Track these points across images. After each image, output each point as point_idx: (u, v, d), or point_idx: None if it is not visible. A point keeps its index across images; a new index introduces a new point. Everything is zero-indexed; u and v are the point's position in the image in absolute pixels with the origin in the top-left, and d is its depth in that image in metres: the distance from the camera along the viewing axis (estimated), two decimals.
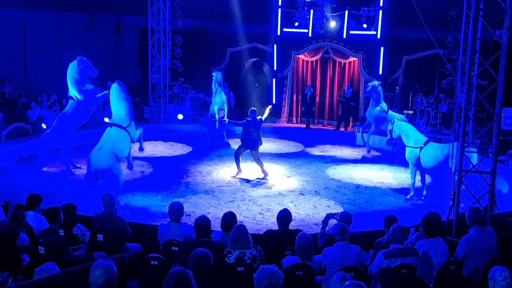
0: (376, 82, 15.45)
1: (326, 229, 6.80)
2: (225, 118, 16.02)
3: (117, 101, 10.88)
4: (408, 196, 11.22)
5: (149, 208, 10.21)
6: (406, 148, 11.30)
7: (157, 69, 18.86)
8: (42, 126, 15.64)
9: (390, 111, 15.25)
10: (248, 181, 12.30)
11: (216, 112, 16.16)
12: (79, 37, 20.81)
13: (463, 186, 8.40)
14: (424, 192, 11.23)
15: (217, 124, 16.06)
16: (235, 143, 16.37)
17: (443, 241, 6.11)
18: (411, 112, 19.26)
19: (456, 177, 8.47)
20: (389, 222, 6.41)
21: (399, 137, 11.52)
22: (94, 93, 12.78)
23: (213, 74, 16.36)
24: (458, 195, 8.33)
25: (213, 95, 16.31)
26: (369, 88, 15.34)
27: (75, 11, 20.02)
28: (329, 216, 6.91)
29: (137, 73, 22.21)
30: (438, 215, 6.30)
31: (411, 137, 11.22)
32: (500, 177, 11.42)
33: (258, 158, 12.44)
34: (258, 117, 12.36)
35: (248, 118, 12.37)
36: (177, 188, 11.68)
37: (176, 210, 6.62)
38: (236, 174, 12.57)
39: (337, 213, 7.00)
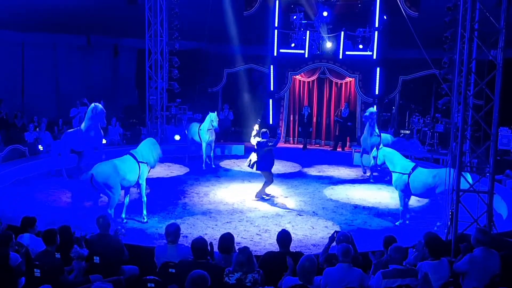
0: (374, 109, 15.42)
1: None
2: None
3: (147, 147, 10.97)
4: (397, 223, 10.95)
5: (145, 229, 10.15)
6: (393, 174, 11.03)
7: (154, 90, 18.89)
8: (39, 148, 15.63)
9: (382, 134, 15.30)
10: (245, 201, 12.27)
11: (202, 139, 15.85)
12: (76, 59, 20.97)
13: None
14: (401, 221, 10.93)
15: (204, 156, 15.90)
16: (230, 165, 16.38)
17: (447, 263, 6.06)
18: (407, 132, 19.33)
19: (453, 197, 8.46)
20: (388, 242, 6.37)
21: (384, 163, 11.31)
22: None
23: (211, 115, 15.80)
24: (456, 215, 8.31)
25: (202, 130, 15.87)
26: (367, 114, 15.18)
27: (73, 33, 20.16)
28: (336, 233, 6.86)
29: (134, 95, 22.30)
30: (438, 235, 6.28)
31: (397, 163, 10.97)
32: (500, 200, 11.42)
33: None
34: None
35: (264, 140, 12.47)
36: (174, 209, 11.63)
37: (173, 232, 6.56)
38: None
39: (335, 232, 6.96)
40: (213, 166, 16.03)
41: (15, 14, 17.05)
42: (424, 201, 12.02)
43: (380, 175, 14.91)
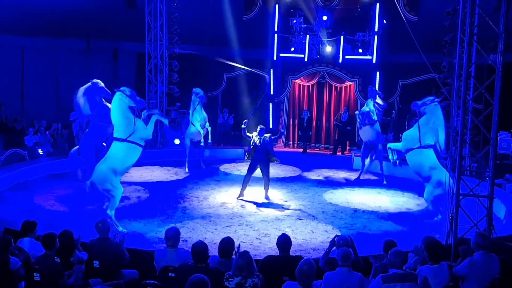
0: (372, 103, 15.42)
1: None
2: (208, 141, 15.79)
3: (116, 114, 10.70)
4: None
5: (145, 233, 10.12)
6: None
7: (154, 94, 18.92)
8: (39, 152, 15.63)
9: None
10: (245, 205, 12.28)
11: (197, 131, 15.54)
12: (76, 63, 20.96)
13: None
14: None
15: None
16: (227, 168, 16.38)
17: (447, 267, 6.07)
18: None
19: (453, 201, 8.46)
20: (388, 246, 6.38)
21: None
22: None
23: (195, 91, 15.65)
24: (456, 219, 8.31)
25: (191, 114, 15.58)
26: (366, 109, 15.14)
27: (73, 37, 20.19)
28: (337, 237, 6.86)
29: None
30: (437, 239, 6.29)
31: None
32: (500, 204, 11.43)
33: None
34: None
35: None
36: (174, 213, 11.62)
37: (173, 236, 6.55)
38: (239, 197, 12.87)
39: (336, 236, 6.96)
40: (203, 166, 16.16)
41: (15, 19, 17.10)
42: (424, 205, 12.01)
43: (380, 179, 14.96)
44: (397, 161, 12.18)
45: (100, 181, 10.07)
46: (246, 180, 12.85)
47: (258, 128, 12.81)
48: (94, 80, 12.18)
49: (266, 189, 12.89)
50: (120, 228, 10.04)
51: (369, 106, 14.97)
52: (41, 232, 7.08)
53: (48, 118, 17.95)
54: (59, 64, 20.75)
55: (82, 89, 12.05)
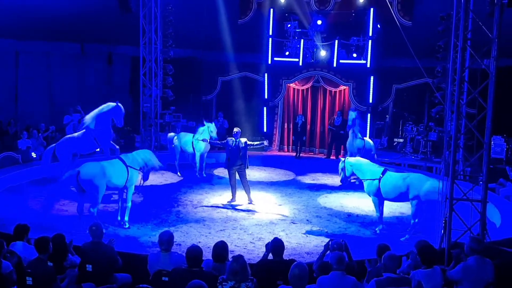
0: (354, 115, 15.51)
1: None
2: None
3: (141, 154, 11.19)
4: (377, 230, 10.91)
5: (139, 237, 10.10)
6: (364, 182, 11.02)
7: (148, 97, 18.88)
8: (32, 155, 15.58)
9: (365, 138, 15.55)
10: (239, 209, 12.26)
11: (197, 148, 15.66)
12: (70, 67, 20.95)
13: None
14: (380, 227, 10.93)
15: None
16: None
17: (440, 271, 6.07)
18: (401, 140, 19.39)
19: (446, 205, 8.48)
20: (382, 250, 6.37)
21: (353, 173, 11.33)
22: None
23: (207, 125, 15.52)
24: (450, 224, 8.33)
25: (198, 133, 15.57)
26: (350, 122, 15.45)
27: (67, 41, 20.15)
28: (331, 241, 6.85)
29: (128, 102, 22.20)
30: (429, 243, 6.30)
31: (366, 171, 10.96)
32: (494, 208, 11.45)
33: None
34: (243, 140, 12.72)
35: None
36: (168, 217, 11.59)
37: (166, 240, 6.53)
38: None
39: (330, 240, 6.95)
40: (204, 175, 15.94)
41: (10, 23, 17.03)
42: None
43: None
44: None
45: (90, 175, 10.09)
46: (232, 185, 12.82)
47: (235, 130, 12.83)
48: (119, 104, 12.84)
49: (247, 193, 12.81)
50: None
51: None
52: (34, 235, 7.03)
53: (42, 121, 17.87)
54: (53, 68, 20.71)
55: (109, 106, 12.74)
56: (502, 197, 12.89)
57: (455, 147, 8.52)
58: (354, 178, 12.05)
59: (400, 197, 10.62)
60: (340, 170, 11.49)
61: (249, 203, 12.73)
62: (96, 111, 12.93)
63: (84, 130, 12.98)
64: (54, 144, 13.30)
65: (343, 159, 11.70)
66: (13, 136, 16.65)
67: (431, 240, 6.89)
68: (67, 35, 19.34)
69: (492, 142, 8.86)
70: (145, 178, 11.17)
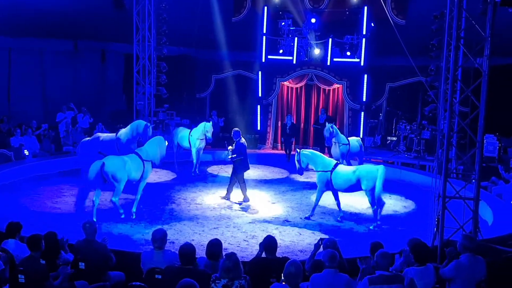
0: (329, 126, 15.17)
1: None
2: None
3: (154, 145, 11.93)
4: (307, 215, 11.62)
5: (132, 235, 10.08)
6: (316, 173, 11.66)
7: (142, 95, 18.83)
8: (25, 152, 15.51)
9: (350, 138, 15.37)
10: (232, 207, 12.26)
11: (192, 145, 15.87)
12: (63, 64, 20.84)
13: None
14: (341, 214, 11.61)
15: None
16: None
17: (432, 268, 6.10)
18: (394, 138, 19.44)
19: (439, 203, 8.51)
20: (375, 248, 6.39)
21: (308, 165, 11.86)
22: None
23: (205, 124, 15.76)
24: (442, 221, 8.36)
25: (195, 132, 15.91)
26: (327, 135, 15.00)
27: (60, 38, 20.05)
28: (322, 240, 6.85)
29: (121, 100, 22.19)
30: (422, 241, 6.32)
31: (319, 163, 11.61)
32: (486, 206, 11.50)
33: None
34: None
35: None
36: (161, 215, 11.58)
37: (160, 238, 6.53)
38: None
39: (322, 239, 6.95)
40: (197, 172, 15.97)
41: (2, 20, 16.93)
42: (411, 207, 12.09)
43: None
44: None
45: (114, 168, 10.74)
46: (242, 185, 12.91)
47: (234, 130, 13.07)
48: (149, 125, 13.93)
49: (232, 191, 12.97)
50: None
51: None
52: (27, 233, 7.00)
53: (35, 119, 17.79)
54: (46, 65, 20.60)
55: (141, 125, 13.67)
56: (494, 195, 12.95)
57: (448, 146, 8.55)
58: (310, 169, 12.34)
59: (351, 188, 11.34)
60: (296, 161, 11.92)
61: (243, 202, 12.77)
62: (131, 131, 13.72)
63: (113, 136, 13.88)
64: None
65: (299, 150, 12.13)
66: (6, 133, 16.56)
67: (423, 238, 6.93)
68: (60, 32, 19.24)
69: (484, 140, 8.88)
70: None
